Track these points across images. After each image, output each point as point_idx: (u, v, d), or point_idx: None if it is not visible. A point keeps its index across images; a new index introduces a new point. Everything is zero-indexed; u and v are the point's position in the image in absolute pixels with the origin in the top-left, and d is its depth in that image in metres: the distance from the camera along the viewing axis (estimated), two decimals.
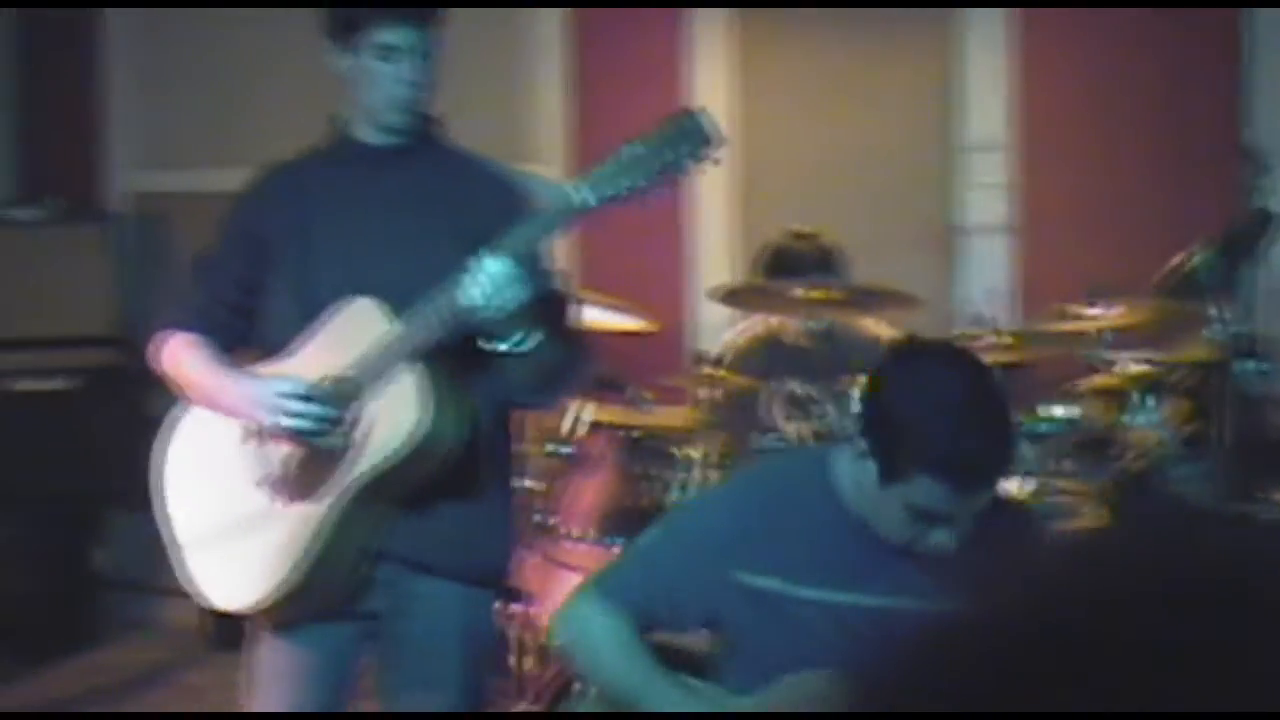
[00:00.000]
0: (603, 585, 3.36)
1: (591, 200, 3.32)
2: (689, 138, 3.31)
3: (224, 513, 3.70)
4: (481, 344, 3.44)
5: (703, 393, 5.20)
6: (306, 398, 3.54)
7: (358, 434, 3.51)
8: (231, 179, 6.20)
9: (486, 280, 3.32)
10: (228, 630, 5.82)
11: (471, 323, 3.38)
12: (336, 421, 3.53)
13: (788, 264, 5.40)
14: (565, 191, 3.37)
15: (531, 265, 3.42)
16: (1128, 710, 0.89)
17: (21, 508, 6.80)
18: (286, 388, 3.55)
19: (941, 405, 2.96)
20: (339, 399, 3.53)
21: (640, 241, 5.91)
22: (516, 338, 3.42)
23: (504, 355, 3.46)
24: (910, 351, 3.26)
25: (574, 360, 3.67)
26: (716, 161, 3.36)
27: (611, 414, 5.31)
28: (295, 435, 3.56)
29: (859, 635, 3.03)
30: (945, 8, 6.46)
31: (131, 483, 6.65)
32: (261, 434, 3.63)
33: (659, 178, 3.31)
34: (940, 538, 3.00)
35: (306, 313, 3.64)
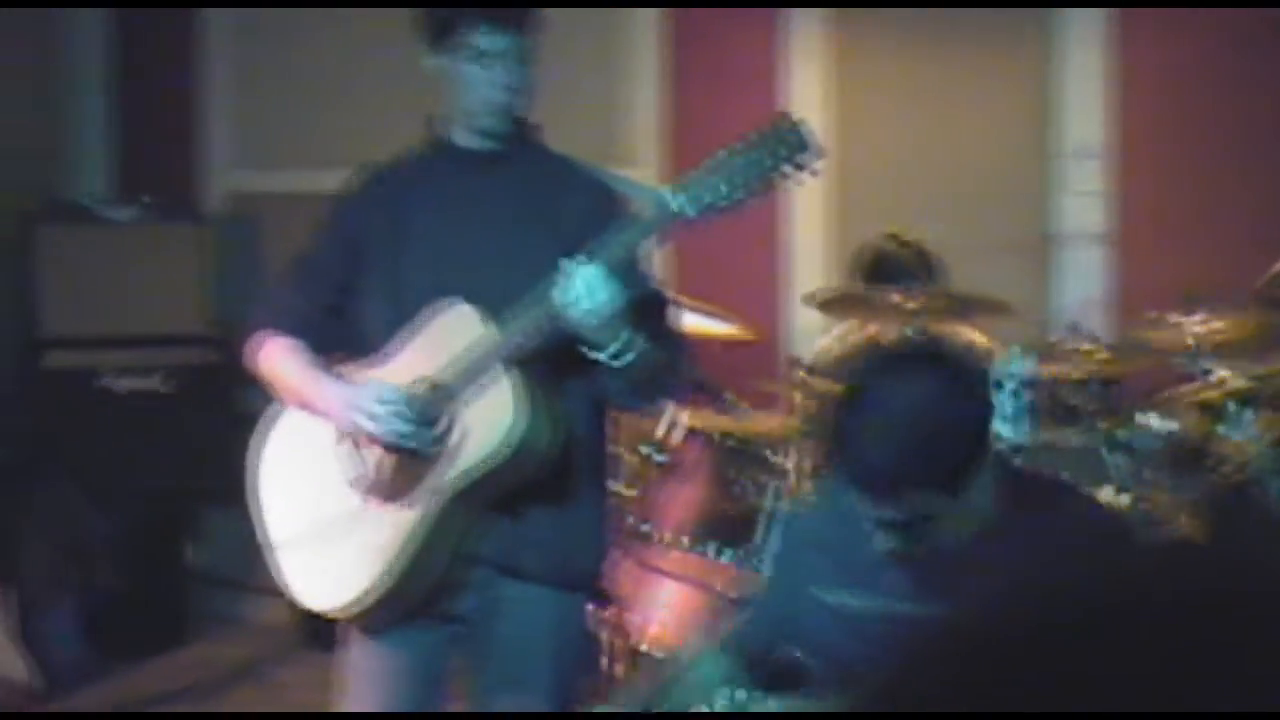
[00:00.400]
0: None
1: (689, 208, 3.30)
2: (788, 145, 3.28)
3: (318, 514, 3.71)
4: (583, 352, 3.43)
5: (798, 399, 5.18)
6: (399, 404, 3.54)
7: (452, 438, 3.51)
8: (325, 180, 6.24)
9: (581, 285, 3.31)
10: (319, 629, 5.85)
11: (567, 328, 3.37)
12: (429, 428, 3.53)
13: (886, 268, 5.38)
14: (662, 197, 3.35)
15: (627, 271, 3.40)
16: (1134, 711, 0.88)
17: (116, 504, 6.86)
18: (380, 394, 3.56)
19: (866, 418, 2.93)
20: (434, 404, 3.53)
21: (735, 247, 5.89)
22: (616, 346, 3.40)
23: (604, 365, 3.44)
24: (872, 361, 3.26)
25: (674, 364, 3.63)
26: (815, 172, 3.33)
27: (706, 420, 5.29)
28: (387, 441, 3.57)
29: (882, 638, 2.99)
30: (1042, 8, 6.41)
31: (225, 481, 6.72)
32: (356, 436, 3.63)
33: (756, 185, 3.28)
34: (881, 543, 2.98)
35: (401, 315, 3.63)
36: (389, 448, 3.57)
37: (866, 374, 3.10)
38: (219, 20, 7.48)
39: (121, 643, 6.77)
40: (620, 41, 6.65)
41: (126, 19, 7.69)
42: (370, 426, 3.57)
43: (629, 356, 3.41)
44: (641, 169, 6.27)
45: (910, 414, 2.90)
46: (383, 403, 3.54)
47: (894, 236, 5.51)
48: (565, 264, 3.34)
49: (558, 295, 3.33)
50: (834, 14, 6.44)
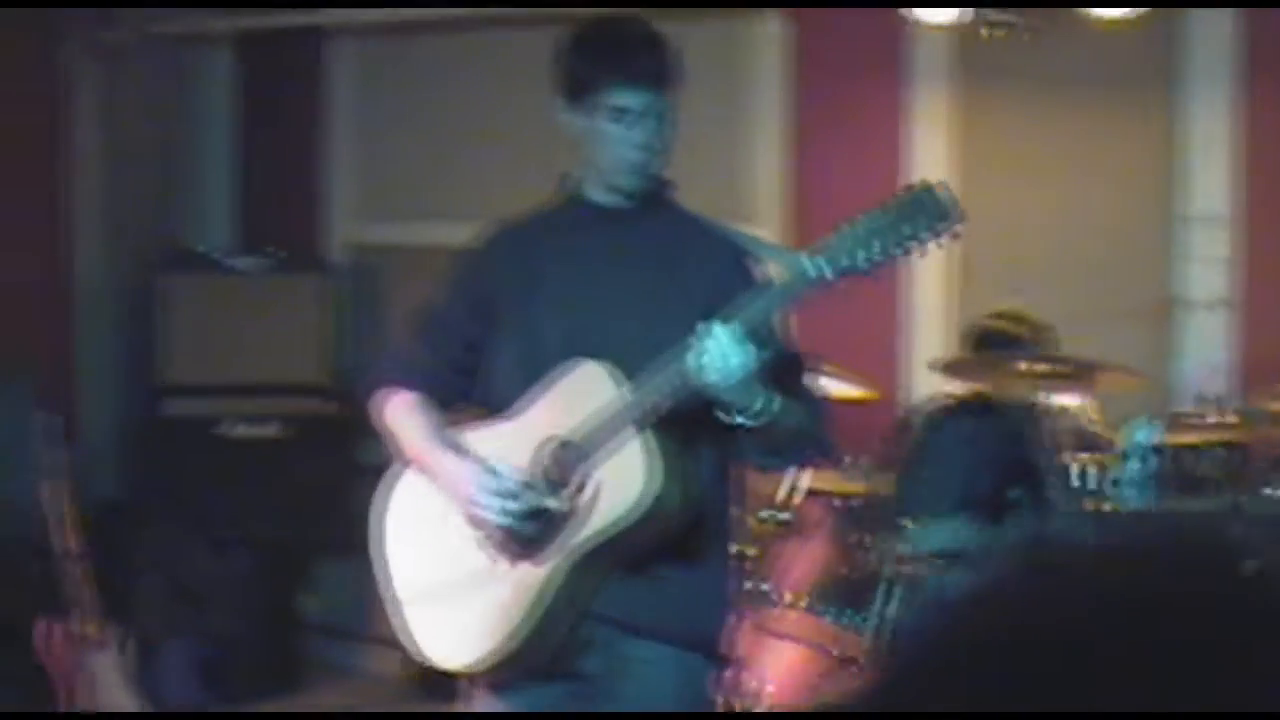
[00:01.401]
0: None
1: (828, 272, 3.28)
2: (928, 211, 3.25)
3: (445, 570, 3.71)
4: (719, 415, 3.41)
5: None
6: (510, 490, 3.55)
7: (583, 499, 3.50)
8: (447, 232, 6.32)
9: (716, 348, 3.29)
10: (433, 680, 5.86)
11: (702, 391, 3.35)
12: (553, 493, 3.53)
13: (992, 343, 5.36)
14: (800, 262, 3.32)
15: (764, 334, 3.39)
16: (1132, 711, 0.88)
17: (233, 551, 6.91)
18: (491, 483, 3.56)
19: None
20: (564, 464, 3.53)
21: (856, 307, 5.86)
22: (753, 409, 3.39)
23: (741, 428, 3.42)
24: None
25: (812, 425, 3.60)
26: (956, 236, 3.30)
27: (827, 481, 5.27)
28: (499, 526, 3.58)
29: None
30: (1167, 74, 6.36)
31: (340, 531, 6.81)
32: None
33: (895, 251, 3.25)
34: None
35: (530, 372, 3.63)
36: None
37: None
38: (343, 71, 7.55)
39: (234, 687, 6.81)
40: (744, 102, 6.66)
41: (250, 70, 7.78)
42: (480, 514, 3.58)
43: (766, 419, 3.39)
44: (762, 228, 6.26)
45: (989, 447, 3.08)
46: (489, 493, 3.55)
47: (1001, 314, 5.50)
48: (700, 327, 3.32)
49: (692, 359, 3.31)
50: (958, 79, 6.41)
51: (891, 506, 5.08)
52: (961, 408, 3.33)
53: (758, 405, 3.37)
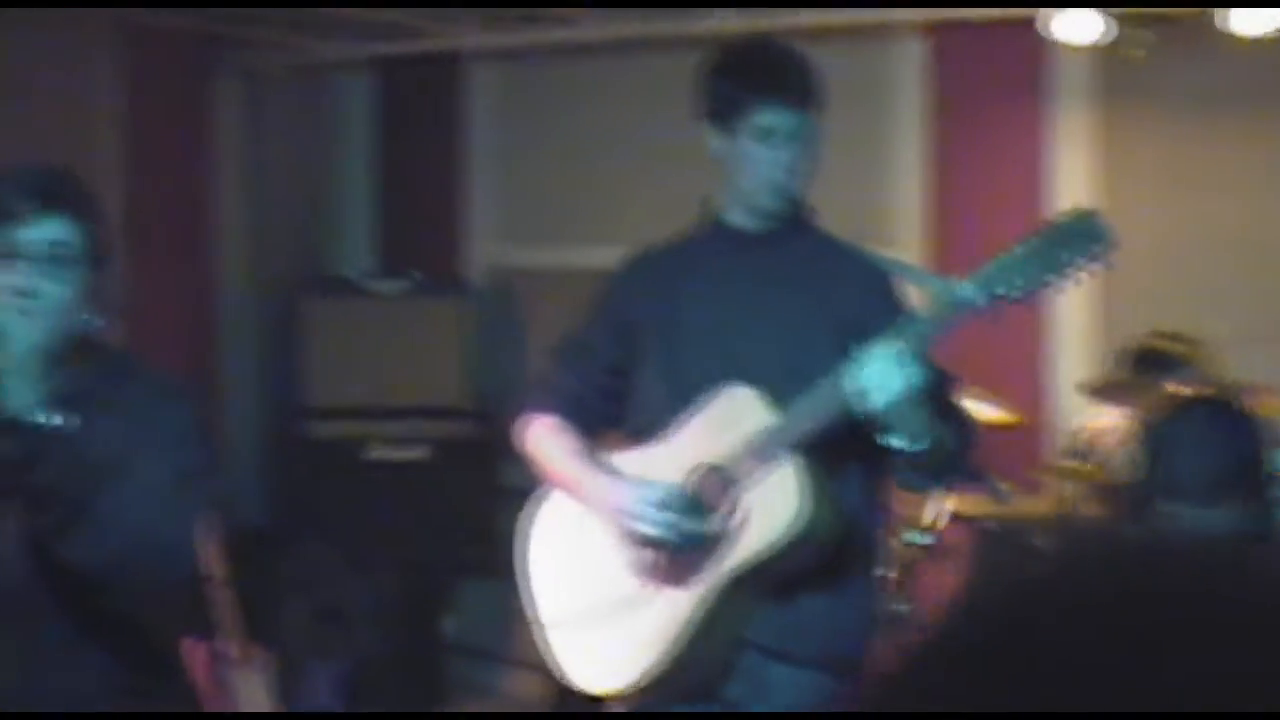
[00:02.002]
0: None
1: (985, 299, 3.25)
2: (1083, 238, 3.22)
3: (594, 595, 3.71)
4: (875, 439, 3.39)
5: (1069, 487, 5.10)
6: (667, 506, 3.54)
7: (733, 524, 3.49)
8: (585, 256, 6.35)
9: (877, 369, 3.25)
10: (575, 703, 5.87)
11: (860, 414, 3.33)
12: (704, 518, 3.52)
13: (1151, 361, 5.30)
14: (953, 288, 3.30)
15: (921, 358, 3.35)
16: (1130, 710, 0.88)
17: (376, 572, 6.96)
18: (648, 497, 3.56)
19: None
20: (714, 490, 3.52)
21: (1000, 332, 5.79)
22: (909, 433, 3.36)
23: (900, 454, 3.39)
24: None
25: (962, 448, 3.57)
26: (1110, 265, 3.27)
27: (970, 504, 5.23)
28: (657, 543, 3.57)
29: None
30: None
31: (483, 552, 6.86)
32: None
33: (1051, 279, 3.23)
34: None
35: (677, 397, 3.63)
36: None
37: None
38: (483, 94, 7.60)
39: (377, 708, 6.86)
40: (884, 124, 6.63)
41: (390, 94, 7.86)
42: (639, 529, 3.57)
43: (921, 444, 3.37)
44: (902, 251, 6.22)
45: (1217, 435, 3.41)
46: (650, 505, 3.54)
47: (1162, 333, 5.43)
48: (861, 349, 3.29)
49: (850, 381, 3.29)
50: (1098, 98, 6.34)
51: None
52: (1202, 402, 3.44)
53: (915, 429, 3.34)
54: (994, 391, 5.59)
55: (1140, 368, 5.34)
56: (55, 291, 2.90)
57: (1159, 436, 3.43)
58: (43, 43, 6.47)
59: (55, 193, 2.96)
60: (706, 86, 3.68)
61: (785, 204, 3.65)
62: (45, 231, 2.91)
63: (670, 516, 3.53)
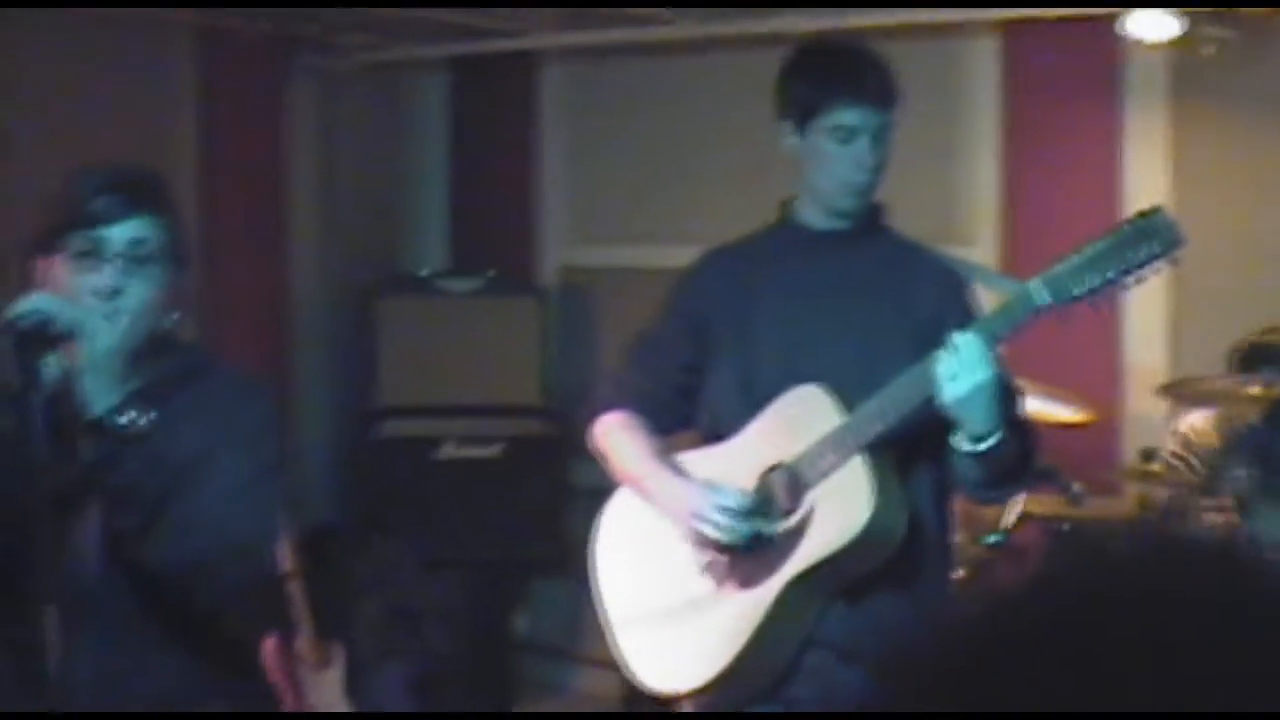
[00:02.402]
0: None
1: (1055, 299, 3.25)
2: (1153, 238, 3.22)
3: (663, 594, 3.72)
4: (954, 442, 3.38)
5: (1148, 489, 5.07)
6: (737, 509, 3.54)
7: (806, 524, 3.49)
8: (657, 255, 6.35)
9: (962, 360, 3.25)
10: (645, 703, 5.88)
11: (942, 405, 3.31)
12: (775, 520, 3.53)
13: (1267, 359, 5.27)
14: (1026, 289, 3.30)
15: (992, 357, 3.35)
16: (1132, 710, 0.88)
17: (448, 571, 6.99)
18: (718, 501, 3.56)
19: None
20: (786, 491, 3.52)
21: (1073, 331, 5.76)
22: (984, 429, 3.34)
23: (974, 456, 3.38)
24: None
25: (1027, 454, 3.56)
26: (1175, 262, 3.26)
27: (1043, 505, 5.21)
28: (727, 546, 3.57)
29: None
30: None
31: (555, 551, 6.88)
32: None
33: (1120, 278, 3.23)
34: None
35: (751, 397, 3.63)
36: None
37: None
38: (555, 94, 7.61)
39: (449, 707, 6.88)
40: (958, 122, 6.60)
41: (466, 94, 7.88)
42: (709, 533, 3.57)
43: (993, 440, 3.35)
44: (976, 250, 6.20)
45: None
46: (717, 510, 3.54)
47: (1274, 329, 5.40)
48: (953, 337, 3.29)
49: (941, 369, 3.28)
50: (1174, 96, 6.29)
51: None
52: None
53: (984, 426, 3.33)
54: (1068, 390, 5.56)
55: (1250, 365, 5.30)
56: (138, 290, 2.92)
57: (1267, 439, 3.33)
58: (118, 45, 6.52)
59: (136, 191, 2.97)
60: (782, 86, 3.69)
61: (860, 203, 3.66)
62: (127, 230, 2.92)
63: (737, 521, 3.54)
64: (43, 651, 2.61)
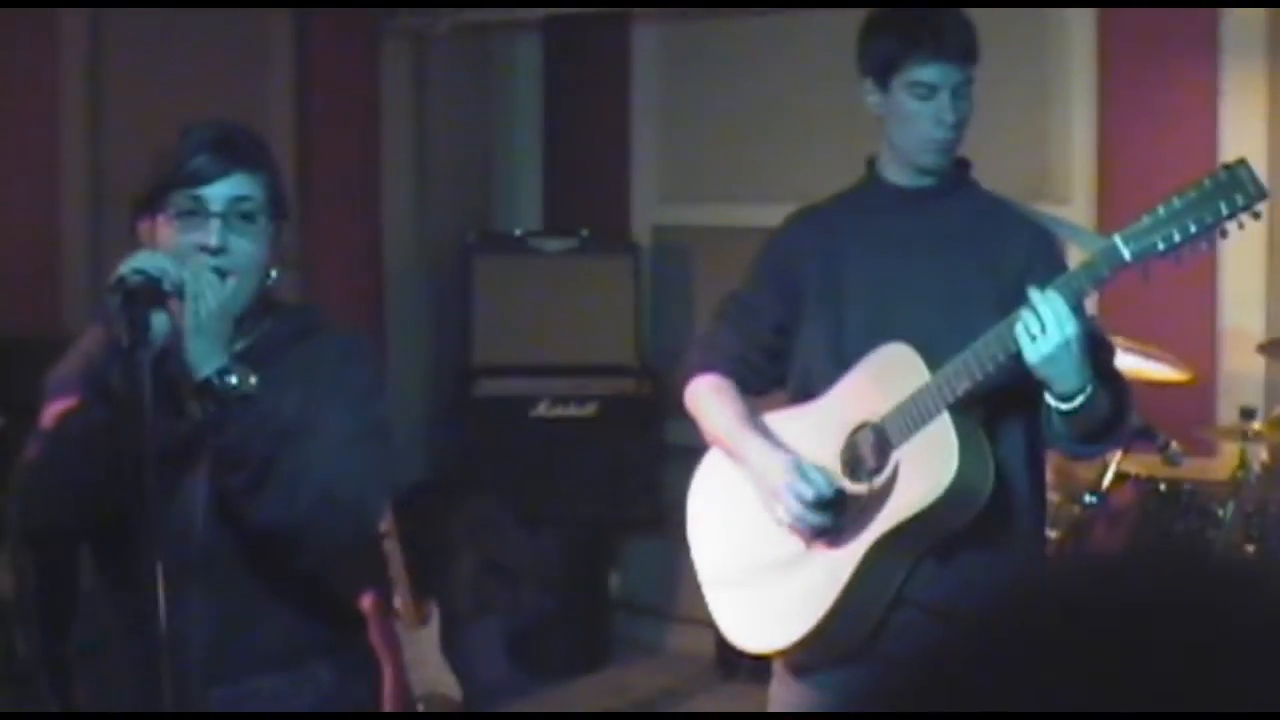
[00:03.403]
0: None
1: (1141, 254, 3.22)
2: (1236, 191, 3.18)
3: (753, 554, 3.73)
4: (1048, 400, 3.37)
5: (1246, 449, 5.04)
6: (812, 490, 3.54)
7: (895, 483, 3.50)
8: (749, 214, 6.35)
9: (1048, 317, 3.22)
10: (736, 661, 5.90)
11: (1028, 363, 3.27)
12: (859, 483, 3.54)
13: None
14: (1112, 244, 3.27)
15: (1078, 312, 3.33)
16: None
17: (543, 528, 7.03)
18: (804, 488, 3.55)
19: None
20: (874, 449, 3.53)
21: (1169, 288, 5.71)
22: (1073, 387, 3.32)
23: (1063, 414, 3.37)
24: None
25: (1120, 411, 3.52)
26: (1257, 215, 3.23)
27: (1141, 465, 5.18)
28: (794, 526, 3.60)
29: None
30: None
31: (649, 510, 6.91)
32: None
33: (1208, 233, 3.20)
34: None
35: (840, 356, 3.63)
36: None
37: None
38: (647, 53, 7.61)
39: (543, 663, 6.94)
40: (1052, 77, 6.56)
41: (558, 54, 7.90)
42: (780, 512, 3.59)
43: (1082, 399, 3.33)
44: (1071, 208, 6.16)
45: None
46: (793, 496, 3.55)
47: None
48: (1033, 295, 3.27)
49: (1024, 328, 3.26)
50: (1270, 54, 6.22)
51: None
52: None
53: (1073, 383, 3.30)
54: (1165, 349, 5.54)
55: None
56: (244, 247, 2.95)
57: None
58: (215, 8, 6.57)
59: (237, 149, 2.99)
60: (864, 43, 3.67)
61: (942, 160, 3.64)
62: (230, 188, 2.94)
63: (810, 512, 3.54)
64: (153, 607, 2.65)
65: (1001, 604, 1.03)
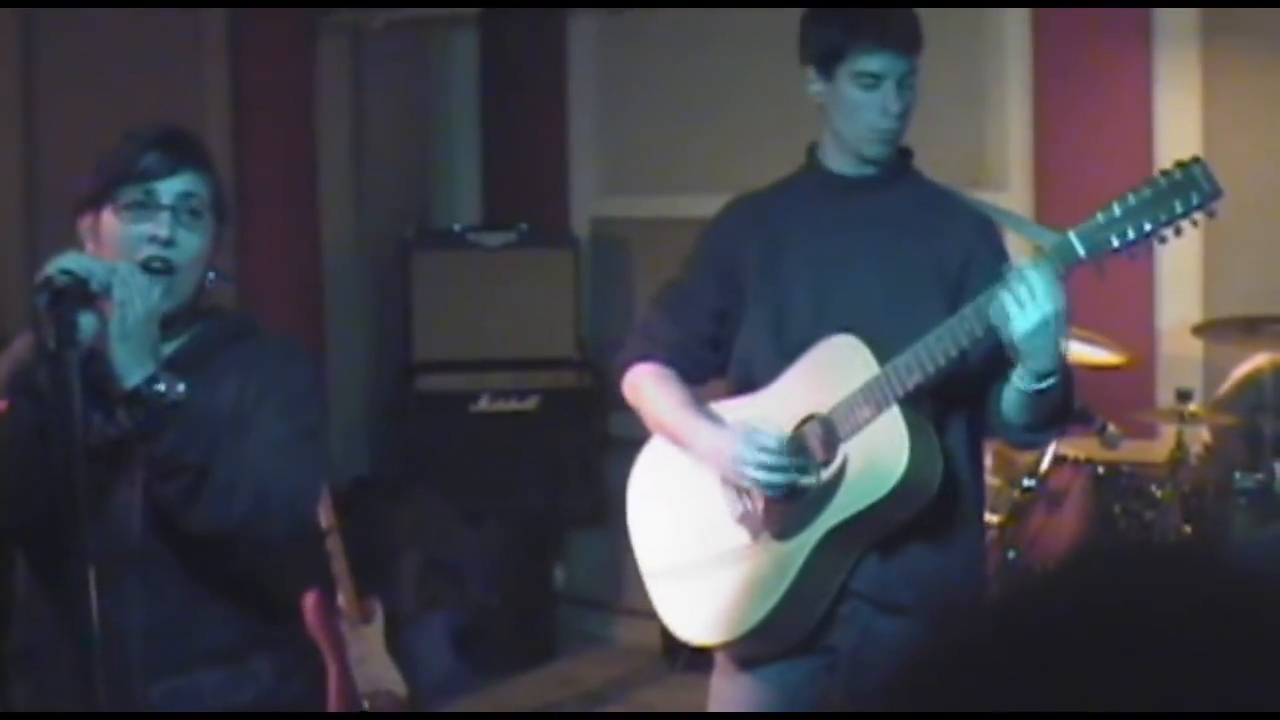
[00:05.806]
0: None
1: (1094, 251, 3.22)
2: (1191, 189, 3.18)
3: (698, 546, 3.72)
4: (1014, 380, 3.34)
5: (1183, 432, 5.06)
6: (777, 454, 3.53)
7: (841, 475, 3.49)
8: (688, 205, 6.34)
9: (1035, 287, 3.19)
10: (685, 653, 5.90)
11: (1007, 337, 3.24)
12: (814, 470, 3.52)
13: None
14: (1065, 240, 3.26)
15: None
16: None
17: (488, 523, 7.03)
18: (758, 444, 3.54)
19: None
20: (821, 441, 3.52)
21: (1109, 277, 5.72)
22: (1046, 365, 3.27)
23: (1030, 395, 3.35)
24: None
25: (1069, 398, 3.51)
26: (1212, 214, 3.24)
27: (1079, 448, 5.20)
28: (768, 494, 3.58)
29: None
30: None
31: (593, 502, 6.91)
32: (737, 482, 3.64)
33: (1162, 230, 3.20)
34: None
35: (783, 346, 3.62)
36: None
37: None
38: (584, 45, 7.60)
39: (490, 658, 6.92)
40: (989, 67, 6.57)
41: (495, 47, 7.88)
42: (749, 478, 3.57)
43: (1054, 379, 3.31)
44: (1006, 196, 6.17)
45: None
46: (761, 451, 3.54)
47: None
48: (1016, 266, 3.26)
49: (1013, 296, 3.21)
50: (1206, 42, 6.24)
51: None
52: None
53: (1053, 365, 3.29)
54: (1102, 333, 5.55)
55: None
56: (191, 241, 2.95)
57: None
58: (149, 5, 6.52)
59: (184, 148, 3.01)
60: (805, 32, 3.66)
61: (886, 150, 3.63)
62: (181, 184, 2.96)
63: (778, 462, 3.53)
64: (87, 607, 2.63)
65: (1009, 602, 1.03)
